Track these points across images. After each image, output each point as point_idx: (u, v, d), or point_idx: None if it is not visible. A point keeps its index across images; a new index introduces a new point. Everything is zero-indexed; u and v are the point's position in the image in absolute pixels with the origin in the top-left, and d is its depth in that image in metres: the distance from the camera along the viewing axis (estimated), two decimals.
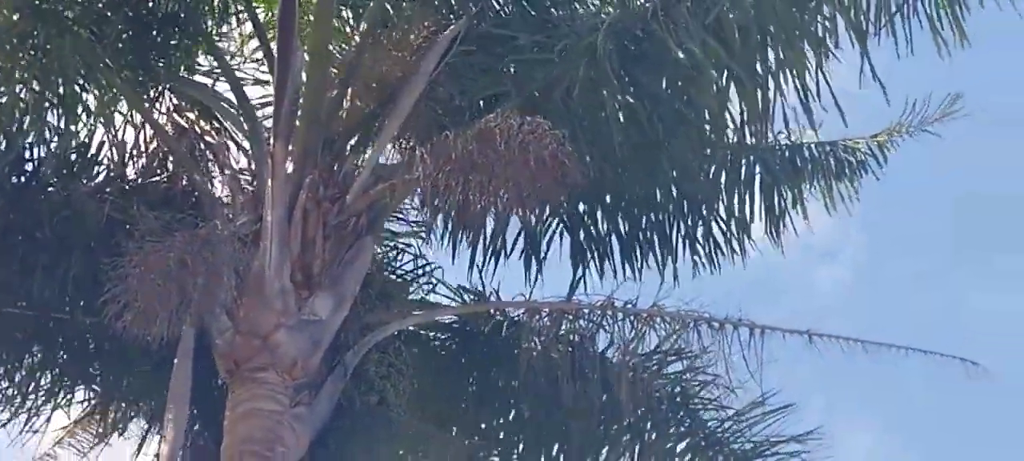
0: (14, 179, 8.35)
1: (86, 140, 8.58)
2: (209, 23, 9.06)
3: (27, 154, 8.37)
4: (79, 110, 8.21)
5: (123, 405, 9.29)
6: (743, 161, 9.10)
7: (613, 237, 9.18)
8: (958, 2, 7.98)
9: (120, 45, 8.40)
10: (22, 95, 8.01)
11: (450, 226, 8.95)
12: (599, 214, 9.18)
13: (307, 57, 8.03)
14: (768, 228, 9.24)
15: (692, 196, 9.08)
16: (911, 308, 15.40)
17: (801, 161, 9.32)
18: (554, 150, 7.11)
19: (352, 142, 8.37)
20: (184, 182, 8.58)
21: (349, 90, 8.38)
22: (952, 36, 7.99)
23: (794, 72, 7.99)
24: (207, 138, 8.83)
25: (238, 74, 9.05)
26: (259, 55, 9.21)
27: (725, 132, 8.40)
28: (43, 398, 9.05)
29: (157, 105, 8.95)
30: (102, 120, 8.45)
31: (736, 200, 9.16)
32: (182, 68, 8.90)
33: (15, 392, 8.92)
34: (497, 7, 8.61)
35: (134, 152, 8.80)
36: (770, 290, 12.24)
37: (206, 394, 8.03)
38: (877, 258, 16.13)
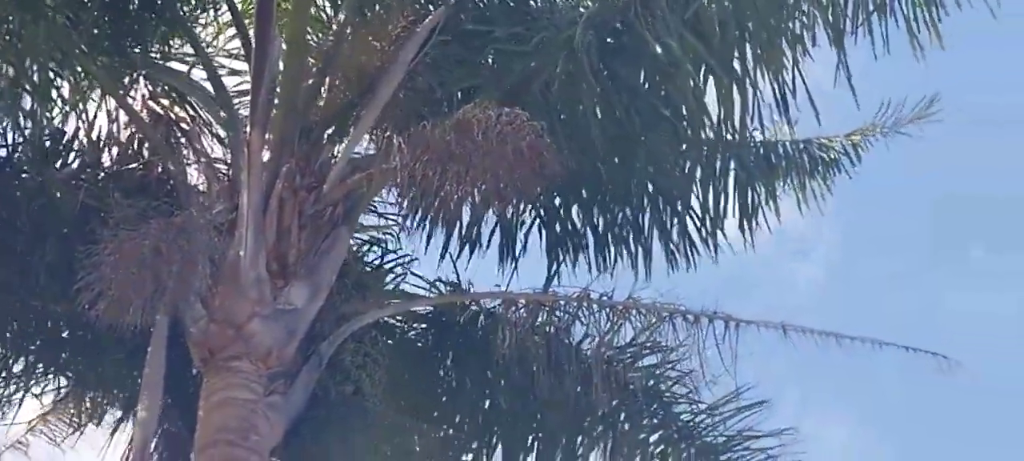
0: None
1: (61, 126, 8.54)
2: (186, 10, 9.01)
3: (1, 140, 8.32)
4: (54, 96, 8.16)
5: (96, 393, 9.25)
6: (718, 157, 9.11)
7: (588, 230, 9.20)
8: (934, 3, 8.03)
9: (96, 31, 8.35)
10: None
11: (426, 216, 8.92)
12: (575, 208, 9.19)
13: (285, 45, 8.01)
14: (742, 224, 9.27)
15: (667, 191, 9.09)
16: (886, 308, 15.42)
17: (775, 158, 9.34)
18: (532, 141, 7.11)
19: (329, 131, 8.33)
20: (159, 170, 8.52)
21: (327, 79, 8.35)
22: (928, 37, 8.04)
23: (771, 69, 8.02)
24: (183, 125, 8.77)
25: (215, 62, 9.02)
26: (236, 43, 9.17)
27: (701, 128, 8.42)
28: (15, 386, 9.01)
29: (133, 92, 8.90)
30: (77, 107, 8.39)
31: (711, 196, 9.18)
32: (159, 55, 8.86)
33: None
34: None
35: (109, 139, 8.76)
36: (743, 286, 12.27)
37: (180, 383, 8.00)
38: (851, 257, 16.15)
